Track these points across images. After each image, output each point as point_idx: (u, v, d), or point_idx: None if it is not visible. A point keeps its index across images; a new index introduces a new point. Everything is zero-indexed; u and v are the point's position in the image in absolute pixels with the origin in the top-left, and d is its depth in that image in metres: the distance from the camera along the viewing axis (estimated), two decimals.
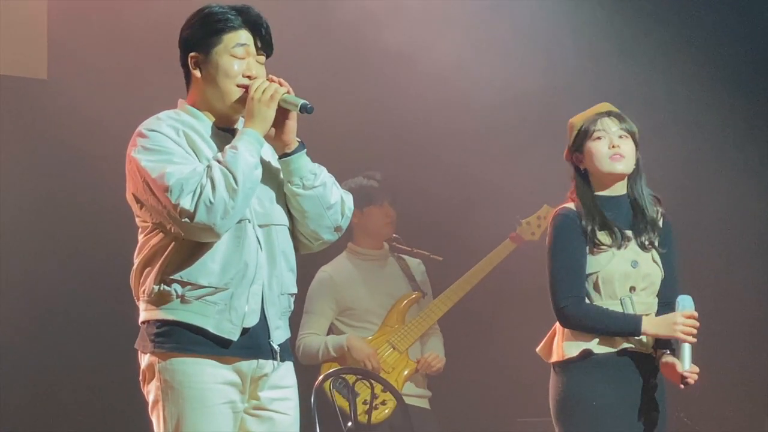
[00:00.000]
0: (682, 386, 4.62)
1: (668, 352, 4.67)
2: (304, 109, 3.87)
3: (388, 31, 6.97)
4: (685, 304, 4.63)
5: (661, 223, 4.76)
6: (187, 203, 3.74)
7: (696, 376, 4.60)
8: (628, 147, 4.70)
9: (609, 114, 4.75)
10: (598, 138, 4.70)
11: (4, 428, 5.70)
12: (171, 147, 3.83)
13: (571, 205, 4.74)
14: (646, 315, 4.64)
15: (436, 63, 7.04)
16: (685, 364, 4.59)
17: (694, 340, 4.58)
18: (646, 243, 4.71)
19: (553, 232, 4.71)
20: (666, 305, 4.71)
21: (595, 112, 4.77)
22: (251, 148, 3.82)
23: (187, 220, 3.75)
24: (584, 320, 4.62)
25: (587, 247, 4.66)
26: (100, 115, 6.69)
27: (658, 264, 4.72)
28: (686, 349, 4.60)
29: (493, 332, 7.01)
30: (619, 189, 4.74)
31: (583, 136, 4.72)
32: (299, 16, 6.97)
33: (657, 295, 4.73)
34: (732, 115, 7.22)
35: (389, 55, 6.98)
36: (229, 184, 3.75)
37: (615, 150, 4.69)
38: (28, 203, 6.92)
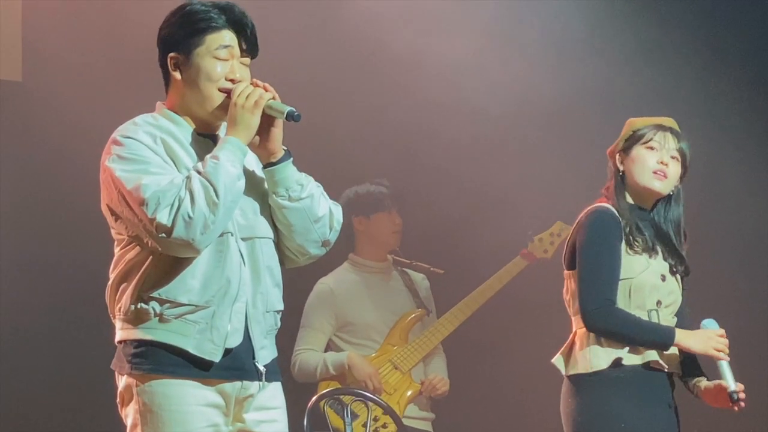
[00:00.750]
0: (735, 408, 4.65)
1: (705, 378, 4.71)
2: (290, 117, 3.83)
3: (395, 37, 7.00)
4: (712, 326, 4.68)
5: (684, 254, 4.78)
6: (164, 217, 3.70)
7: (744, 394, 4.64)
8: (674, 169, 4.71)
9: (672, 130, 4.75)
10: (652, 148, 4.72)
11: None
12: (147, 156, 3.79)
13: (607, 204, 4.72)
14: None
15: (445, 69, 7.09)
16: (731, 383, 4.61)
17: (728, 357, 4.63)
18: (675, 268, 4.74)
19: (590, 229, 4.68)
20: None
21: (658, 122, 4.77)
22: (233, 158, 3.78)
23: (164, 235, 3.71)
24: (616, 326, 4.60)
25: (624, 247, 4.66)
26: (77, 118, 6.68)
27: (680, 285, 4.74)
28: (726, 368, 4.63)
29: (499, 353, 7.00)
30: (647, 204, 4.77)
31: (637, 138, 4.74)
32: (305, 20, 7.06)
33: (675, 315, 4.75)
34: (754, 118, 7.27)
35: (396, 60, 7.03)
36: (209, 197, 3.72)
37: (661, 167, 4.70)
38: (2, 209, 6.92)
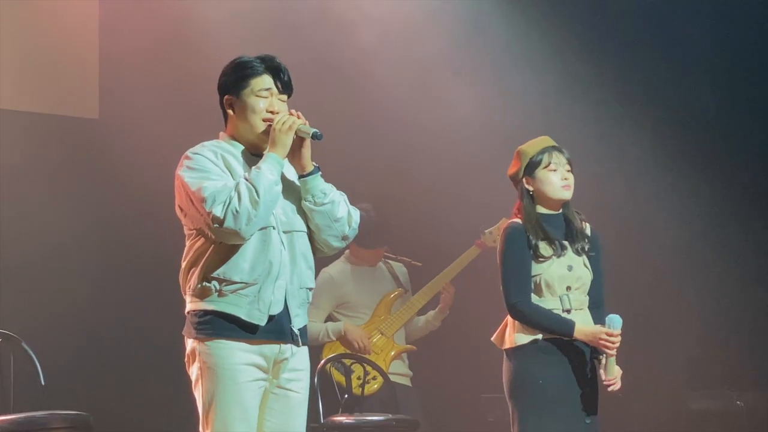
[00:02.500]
0: (608, 389, 4.75)
1: (603, 357, 4.75)
2: (315, 137, 4.01)
3: (384, 76, 7.10)
4: (612, 323, 4.68)
5: (588, 231, 4.86)
6: (218, 211, 3.84)
7: (617, 382, 4.72)
8: (572, 177, 4.83)
9: (555, 148, 4.83)
10: (553, 170, 4.79)
11: (78, 406, 5.68)
12: (209, 167, 3.96)
13: (518, 221, 4.82)
14: (581, 324, 4.70)
15: (421, 101, 7.19)
16: (608, 374, 4.71)
17: (613, 353, 4.66)
18: (579, 249, 4.81)
19: (505, 242, 4.79)
20: (594, 304, 4.82)
21: (543, 145, 4.84)
22: (272, 168, 3.93)
23: (217, 225, 3.85)
24: (531, 317, 4.71)
25: (532, 256, 4.76)
26: (148, 151, 6.69)
27: (588, 268, 4.82)
28: (609, 361, 4.69)
29: (461, 324, 7.02)
30: (557, 208, 4.86)
31: (537, 164, 4.80)
32: (315, 59, 7.03)
33: (588, 294, 4.82)
34: (661, 153, 7.28)
35: (391, 93, 7.10)
36: (252, 197, 3.86)
37: (566, 181, 4.80)
38: (84, 228, 6.91)
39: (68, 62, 6.99)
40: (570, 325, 4.69)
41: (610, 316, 4.68)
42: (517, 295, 4.71)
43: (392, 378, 6.46)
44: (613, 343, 4.65)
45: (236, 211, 3.83)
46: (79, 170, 6.95)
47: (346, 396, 6.23)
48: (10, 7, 6.84)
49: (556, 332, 4.70)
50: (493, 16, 7.22)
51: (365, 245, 6.55)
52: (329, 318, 6.65)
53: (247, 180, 3.88)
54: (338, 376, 6.31)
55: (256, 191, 3.85)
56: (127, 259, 7.00)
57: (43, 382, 5.69)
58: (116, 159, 6.88)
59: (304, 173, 4.04)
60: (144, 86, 6.92)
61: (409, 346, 6.66)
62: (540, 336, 4.71)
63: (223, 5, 6.98)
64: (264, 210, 3.88)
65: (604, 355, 4.68)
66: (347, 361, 6.31)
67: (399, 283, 6.74)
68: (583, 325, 4.71)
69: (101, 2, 7.11)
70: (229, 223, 3.83)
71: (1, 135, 6.75)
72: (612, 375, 4.70)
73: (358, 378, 6.32)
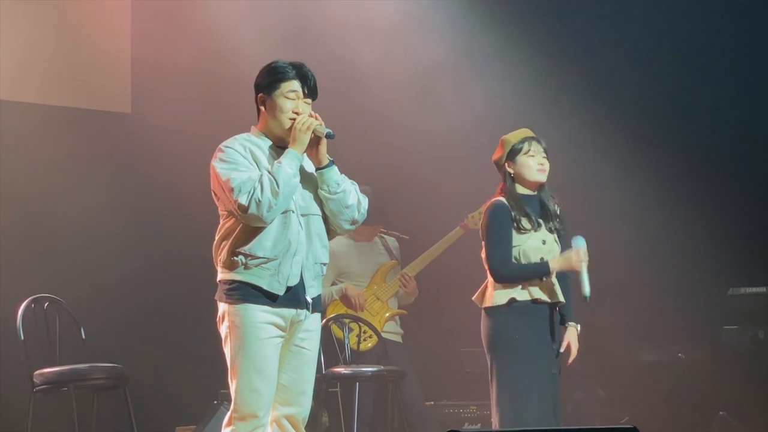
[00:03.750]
0: (569, 362, 4.98)
1: (572, 324, 4.98)
2: (328, 136, 4.20)
3: (382, 83, 7.17)
4: (577, 243, 4.91)
5: (559, 212, 5.05)
6: (243, 200, 4.03)
7: (588, 292, 4.86)
8: (547, 164, 5.04)
9: (534, 138, 5.03)
10: (531, 156, 4.99)
11: (114, 360, 5.74)
12: (238, 159, 4.13)
13: (502, 198, 5.00)
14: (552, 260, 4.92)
15: (416, 106, 7.27)
16: (583, 288, 4.87)
17: (583, 268, 4.82)
18: (551, 227, 5.01)
19: (491, 216, 4.96)
20: (561, 273, 4.98)
21: (524, 135, 5.02)
22: (291, 163, 4.11)
23: (242, 212, 4.04)
24: (513, 275, 4.91)
25: (513, 229, 4.94)
26: (178, 144, 6.70)
27: (557, 243, 5.04)
28: (584, 275, 4.86)
29: (445, 291, 7.14)
30: (534, 190, 5.03)
31: (518, 151, 4.98)
32: (327, 69, 6.50)
33: None
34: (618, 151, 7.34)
35: (386, 99, 7.18)
36: (273, 188, 4.04)
37: (542, 166, 5.01)
38: (121, 211, 6.91)
39: (100, 57, 6.92)
40: (544, 264, 4.89)
41: (575, 237, 4.89)
42: (501, 261, 4.88)
43: (385, 336, 6.61)
44: (581, 259, 4.86)
45: (259, 200, 4.00)
46: (114, 160, 6.96)
47: (345, 350, 6.39)
48: (46, 8, 6.83)
49: (538, 275, 4.88)
50: (477, 26, 7.28)
51: (364, 222, 6.63)
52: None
53: (269, 173, 4.05)
54: (338, 333, 6.45)
55: (277, 183, 4.02)
56: (159, 238, 7.04)
57: (83, 337, 5.82)
58: (148, 152, 6.87)
59: (321, 166, 4.21)
60: (176, 80, 6.90)
61: (400, 310, 6.79)
62: (516, 293, 4.87)
63: (246, 10, 6.96)
64: (283, 199, 4.05)
65: (580, 274, 4.84)
66: (347, 321, 6.47)
67: (392, 256, 6.86)
68: (554, 259, 4.92)
69: (133, 2, 7.06)
70: (252, 210, 4.01)
71: (49, 129, 6.74)
72: (586, 289, 4.84)
73: (356, 336, 6.49)
